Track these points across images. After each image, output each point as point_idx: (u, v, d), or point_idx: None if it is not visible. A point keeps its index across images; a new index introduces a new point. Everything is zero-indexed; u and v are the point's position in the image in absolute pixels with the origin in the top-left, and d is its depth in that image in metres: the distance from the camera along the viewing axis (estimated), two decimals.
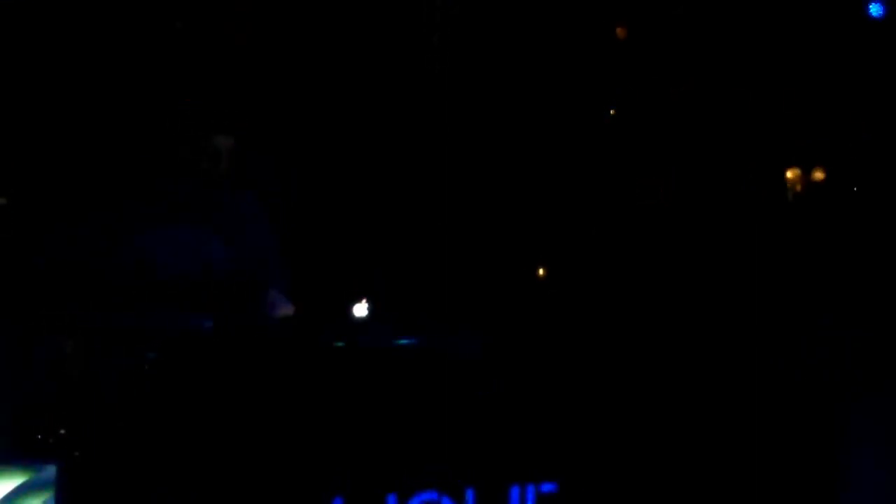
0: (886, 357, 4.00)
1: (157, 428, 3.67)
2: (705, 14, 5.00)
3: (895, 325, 4.14)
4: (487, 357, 3.91)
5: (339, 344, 3.94)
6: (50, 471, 3.38)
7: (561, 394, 3.91)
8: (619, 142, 4.82)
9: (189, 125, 4.20)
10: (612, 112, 4.85)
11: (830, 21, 4.98)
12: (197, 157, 4.19)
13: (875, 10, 4.80)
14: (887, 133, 4.86)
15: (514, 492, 3.81)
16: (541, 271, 4.61)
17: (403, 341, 3.92)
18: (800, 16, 4.93)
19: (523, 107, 4.84)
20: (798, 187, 4.92)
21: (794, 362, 4.00)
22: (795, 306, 4.28)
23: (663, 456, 3.93)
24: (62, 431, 3.63)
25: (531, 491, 3.81)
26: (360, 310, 4.20)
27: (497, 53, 4.86)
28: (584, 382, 3.95)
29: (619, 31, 5.11)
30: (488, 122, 4.81)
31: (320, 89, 4.79)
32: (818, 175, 4.93)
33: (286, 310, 4.30)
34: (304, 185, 4.75)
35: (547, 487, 3.83)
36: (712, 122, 4.97)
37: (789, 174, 4.90)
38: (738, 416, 3.94)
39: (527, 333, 4.20)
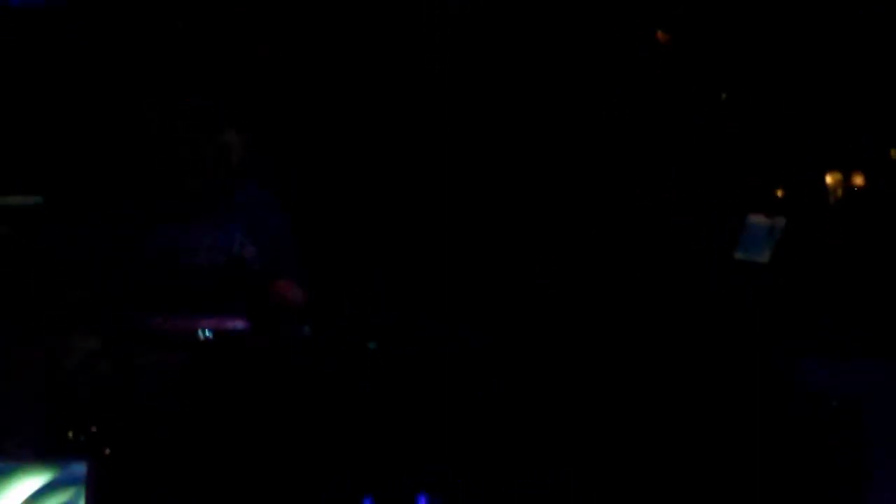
0: None
1: (186, 426, 3.68)
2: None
3: None
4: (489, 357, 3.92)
5: (371, 345, 3.95)
6: (76, 468, 3.39)
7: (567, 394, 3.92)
8: (628, 143, 4.80)
9: (196, 121, 4.21)
10: (624, 112, 4.83)
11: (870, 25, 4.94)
12: (208, 152, 4.19)
13: None
14: None
15: None
16: (543, 273, 4.59)
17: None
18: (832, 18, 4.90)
19: (525, 108, 4.83)
20: (839, 192, 4.89)
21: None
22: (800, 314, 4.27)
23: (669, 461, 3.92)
24: (93, 429, 3.65)
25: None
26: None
27: (500, 54, 4.85)
28: (591, 381, 3.95)
29: (661, 36, 5.09)
30: (490, 122, 4.80)
31: (322, 88, 4.80)
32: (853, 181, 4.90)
33: (298, 298, 4.28)
34: (310, 183, 4.76)
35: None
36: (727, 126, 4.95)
37: (829, 178, 4.86)
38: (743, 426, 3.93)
39: (529, 334, 4.20)
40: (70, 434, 3.62)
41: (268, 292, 4.08)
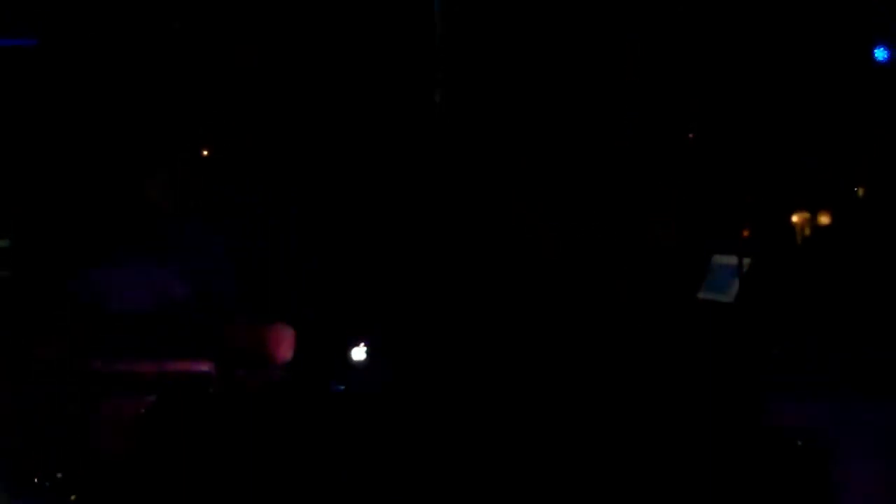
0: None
1: (154, 470, 3.68)
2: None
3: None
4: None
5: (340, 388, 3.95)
6: None
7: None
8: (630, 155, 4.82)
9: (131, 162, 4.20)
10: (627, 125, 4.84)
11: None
12: (151, 189, 4.18)
13: (881, 54, 4.80)
14: None
15: None
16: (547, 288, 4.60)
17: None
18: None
19: (527, 114, 4.84)
20: (806, 230, 4.91)
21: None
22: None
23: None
24: (58, 475, 3.64)
25: None
26: (359, 354, 4.20)
27: (501, 61, 4.86)
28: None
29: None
30: (492, 130, 4.81)
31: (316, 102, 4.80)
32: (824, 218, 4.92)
33: (289, 347, 4.27)
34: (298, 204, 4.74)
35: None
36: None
37: (795, 217, 4.89)
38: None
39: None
40: (36, 479, 3.61)
41: (223, 336, 4.06)
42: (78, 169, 4.42)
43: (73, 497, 3.60)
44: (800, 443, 3.85)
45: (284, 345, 4.17)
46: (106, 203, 4.26)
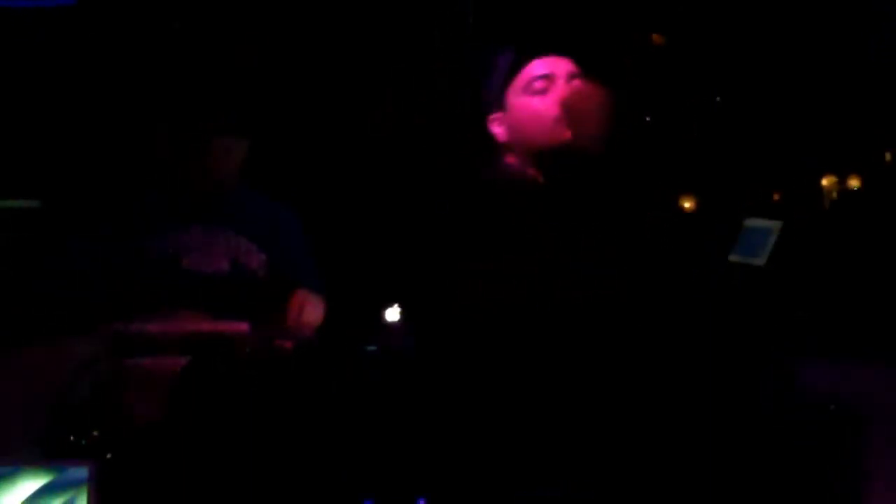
0: None
1: (190, 431, 3.68)
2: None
3: None
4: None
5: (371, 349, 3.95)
6: (74, 472, 3.40)
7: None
8: (624, 147, 4.80)
9: (207, 128, 4.20)
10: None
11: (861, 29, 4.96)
12: (213, 157, 4.19)
13: None
14: None
15: None
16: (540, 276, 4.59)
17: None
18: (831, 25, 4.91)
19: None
20: (834, 195, 4.90)
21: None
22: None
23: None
24: (94, 433, 3.65)
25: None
26: (393, 314, 4.20)
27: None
28: (590, 385, 3.95)
29: (656, 38, 5.10)
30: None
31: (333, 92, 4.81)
32: (853, 183, 4.92)
33: (318, 311, 4.29)
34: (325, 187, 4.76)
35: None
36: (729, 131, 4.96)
37: (825, 181, 4.88)
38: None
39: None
40: (71, 437, 3.62)
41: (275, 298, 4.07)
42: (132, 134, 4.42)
43: (108, 455, 3.60)
44: (833, 407, 3.86)
45: (308, 309, 4.19)
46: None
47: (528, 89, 3.92)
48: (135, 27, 4.76)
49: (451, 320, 4.16)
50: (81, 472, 3.42)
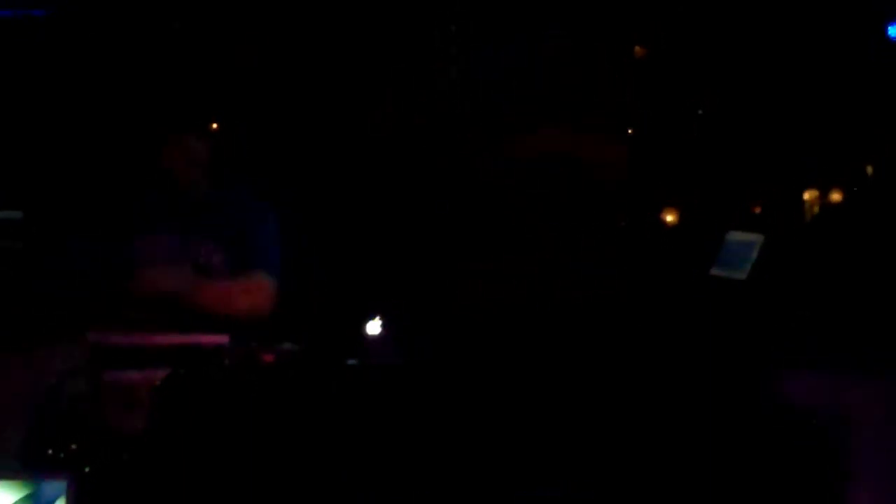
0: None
1: (169, 444, 3.66)
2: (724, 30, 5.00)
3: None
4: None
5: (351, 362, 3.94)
6: (51, 486, 3.38)
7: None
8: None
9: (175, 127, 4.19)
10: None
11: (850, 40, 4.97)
12: (185, 161, 4.17)
13: (894, 31, 4.79)
14: None
15: None
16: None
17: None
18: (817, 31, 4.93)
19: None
20: (815, 208, 4.91)
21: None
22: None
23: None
24: (72, 447, 3.62)
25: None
26: (374, 327, 4.19)
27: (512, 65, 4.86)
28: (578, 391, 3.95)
29: (638, 50, 5.10)
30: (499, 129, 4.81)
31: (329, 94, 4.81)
32: (835, 196, 4.93)
33: (253, 298, 4.26)
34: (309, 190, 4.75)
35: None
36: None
37: (806, 195, 4.89)
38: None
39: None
40: (49, 450, 3.60)
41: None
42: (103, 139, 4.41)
43: (86, 468, 3.58)
44: (815, 417, 3.85)
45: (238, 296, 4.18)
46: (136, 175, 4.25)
47: None
48: (135, 27, 4.75)
49: (450, 320, 4.17)
50: (59, 485, 3.40)
